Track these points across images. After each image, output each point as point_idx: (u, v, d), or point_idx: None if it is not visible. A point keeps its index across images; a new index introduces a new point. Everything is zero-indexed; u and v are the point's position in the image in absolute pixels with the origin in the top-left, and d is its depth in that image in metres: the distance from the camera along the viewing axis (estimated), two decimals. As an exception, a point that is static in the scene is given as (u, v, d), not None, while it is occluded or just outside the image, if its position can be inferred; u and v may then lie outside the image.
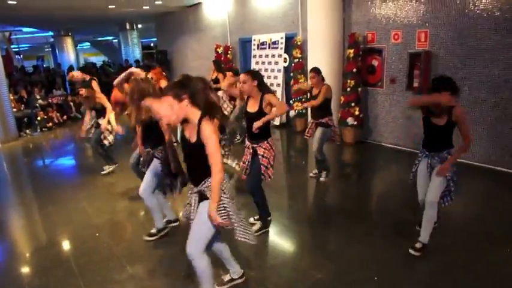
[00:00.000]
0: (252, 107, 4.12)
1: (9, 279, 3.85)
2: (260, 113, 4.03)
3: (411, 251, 3.73)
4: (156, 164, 4.13)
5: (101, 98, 6.43)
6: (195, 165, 2.82)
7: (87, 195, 5.87)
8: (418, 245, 3.75)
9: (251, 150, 4.19)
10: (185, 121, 2.74)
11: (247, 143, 4.26)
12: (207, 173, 2.72)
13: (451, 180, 3.64)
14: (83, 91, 6.41)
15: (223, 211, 2.78)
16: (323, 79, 5.50)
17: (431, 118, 3.57)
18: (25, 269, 4.05)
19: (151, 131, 4.13)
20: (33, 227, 5.15)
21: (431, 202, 3.61)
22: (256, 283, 3.49)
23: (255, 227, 4.34)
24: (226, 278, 3.45)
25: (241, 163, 4.37)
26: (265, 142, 4.11)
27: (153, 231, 4.41)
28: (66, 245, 4.51)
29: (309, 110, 6.60)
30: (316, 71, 5.45)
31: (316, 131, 5.60)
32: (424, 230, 3.73)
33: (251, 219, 4.52)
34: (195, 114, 2.67)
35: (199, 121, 2.65)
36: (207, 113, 2.67)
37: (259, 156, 4.09)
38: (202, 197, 2.83)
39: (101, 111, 6.44)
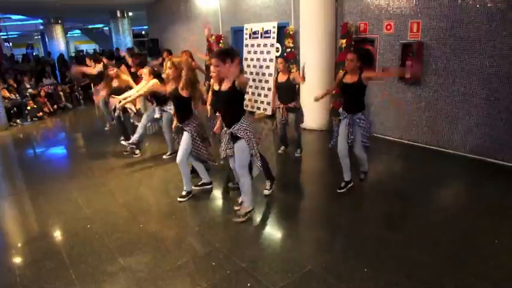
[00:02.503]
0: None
1: (0, 271, 3.85)
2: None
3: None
4: (187, 136, 4.85)
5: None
6: (228, 112, 4.13)
7: (79, 186, 5.84)
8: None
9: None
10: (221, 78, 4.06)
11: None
12: (237, 118, 4.06)
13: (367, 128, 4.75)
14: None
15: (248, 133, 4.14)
16: (289, 67, 6.39)
17: (343, 79, 4.67)
18: (16, 261, 4.04)
19: (185, 107, 4.94)
20: (24, 218, 5.12)
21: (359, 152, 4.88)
22: (246, 274, 3.52)
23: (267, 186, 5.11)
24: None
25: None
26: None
27: (184, 193, 5.11)
28: (57, 237, 4.50)
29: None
30: (285, 59, 6.30)
31: (289, 118, 6.24)
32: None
33: (265, 191, 5.12)
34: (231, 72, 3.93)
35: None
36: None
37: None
38: (234, 136, 4.13)
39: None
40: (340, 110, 4.90)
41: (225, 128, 4.25)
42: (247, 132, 4.12)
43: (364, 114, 4.74)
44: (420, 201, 4.76)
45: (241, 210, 4.48)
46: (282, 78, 6.08)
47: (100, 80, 8.47)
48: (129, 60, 9.03)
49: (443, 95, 6.29)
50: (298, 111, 6.20)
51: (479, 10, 5.59)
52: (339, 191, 5.00)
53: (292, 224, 4.49)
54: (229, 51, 4.00)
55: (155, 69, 6.88)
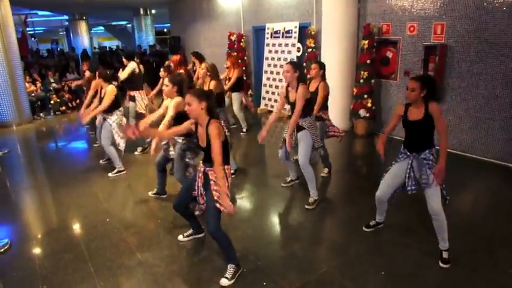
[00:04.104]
0: None
1: (21, 261, 3.94)
2: None
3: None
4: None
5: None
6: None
7: (98, 180, 5.94)
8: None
9: (201, 174, 3.45)
10: None
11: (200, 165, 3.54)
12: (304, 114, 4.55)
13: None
14: None
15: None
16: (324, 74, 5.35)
17: (408, 115, 3.57)
18: (36, 251, 4.13)
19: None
20: (45, 210, 5.24)
21: (438, 210, 3.48)
22: (262, 273, 3.52)
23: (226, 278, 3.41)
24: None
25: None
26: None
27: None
28: (77, 229, 4.59)
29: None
30: (320, 64, 5.34)
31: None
32: (440, 234, 3.58)
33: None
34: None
35: None
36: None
37: (211, 182, 3.29)
38: (299, 128, 4.62)
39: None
40: (401, 148, 3.76)
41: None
42: (310, 125, 4.62)
43: (432, 153, 3.55)
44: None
45: (309, 199, 4.82)
46: (313, 87, 5.23)
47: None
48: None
49: (466, 98, 6.17)
50: (324, 121, 5.41)
51: (506, 13, 5.46)
52: (365, 229, 4.22)
53: (309, 225, 4.47)
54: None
55: (108, 72, 6.07)
